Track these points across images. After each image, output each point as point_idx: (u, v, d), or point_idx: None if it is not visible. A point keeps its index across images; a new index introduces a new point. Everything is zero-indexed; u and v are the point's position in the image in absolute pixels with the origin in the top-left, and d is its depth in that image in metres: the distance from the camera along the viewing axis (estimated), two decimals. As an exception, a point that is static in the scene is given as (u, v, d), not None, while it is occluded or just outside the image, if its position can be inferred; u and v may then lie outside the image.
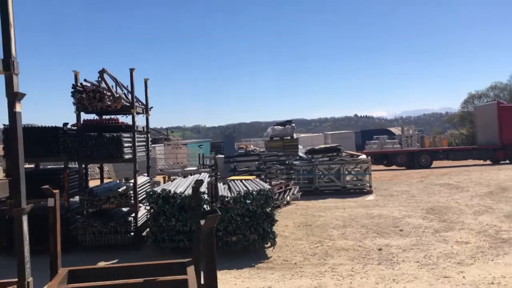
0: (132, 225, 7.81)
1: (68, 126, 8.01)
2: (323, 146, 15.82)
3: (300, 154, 15.23)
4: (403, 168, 26.26)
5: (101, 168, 9.84)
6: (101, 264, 7.15)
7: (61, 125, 7.87)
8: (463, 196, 12.54)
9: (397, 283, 5.66)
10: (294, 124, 16.27)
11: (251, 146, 27.44)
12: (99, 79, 7.48)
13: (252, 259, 7.00)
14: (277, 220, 7.61)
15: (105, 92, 7.40)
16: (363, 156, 14.64)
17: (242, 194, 7.26)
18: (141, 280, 2.91)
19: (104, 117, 8.05)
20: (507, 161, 26.08)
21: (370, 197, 13.20)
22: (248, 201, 7.20)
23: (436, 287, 5.45)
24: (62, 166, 7.95)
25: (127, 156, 7.51)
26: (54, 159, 7.82)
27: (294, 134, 16.43)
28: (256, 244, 7.25)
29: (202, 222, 2.65)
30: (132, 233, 7.81)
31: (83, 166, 8.12)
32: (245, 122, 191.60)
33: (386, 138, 43.62)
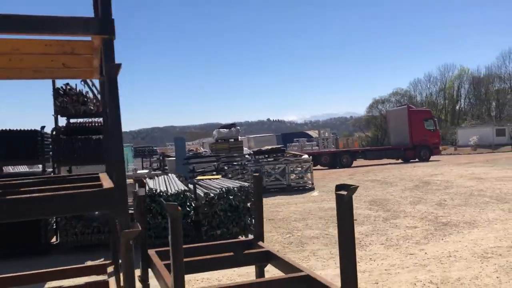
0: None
1: (46, 129, 8.04)
2: (269, 147, 16.72)
3: (246, 155, 15.99)
4: (326, 168, 28.03)
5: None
6: (89, 263, 7.34)
7: (37, 128, 7.88)
8: (395, 190, 14.10)
9: (374, 260, 6.61)
10: (238, 127, 16.99)
11: (201, 148, 27.70)
12: (82, 83, 7.65)
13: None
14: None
15: (88, 95, 7.60)
16: (306, 156, 15.78)
17: (225, 190, 7.85)
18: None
19: (82, 120, 8.19)
20: (417, 160, 28.99)
21: (315, 193, 14.32)
22: (231, 197, 7.81)
23: (407, 262, 6.48)
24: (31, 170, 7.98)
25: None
26: (33, 162, 7.81)
27: (239, 137, 17.18)
28: (238, 236, 7.87)
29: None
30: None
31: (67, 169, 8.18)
32: (158, 126, 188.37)
33: (305, 140, 45.87)
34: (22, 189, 2.56)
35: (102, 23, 2.04)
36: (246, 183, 8.50)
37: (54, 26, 2.03)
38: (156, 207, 7.62)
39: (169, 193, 7.66)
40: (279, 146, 16.98)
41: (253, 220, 8.02)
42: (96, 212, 8.44)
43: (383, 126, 71.93)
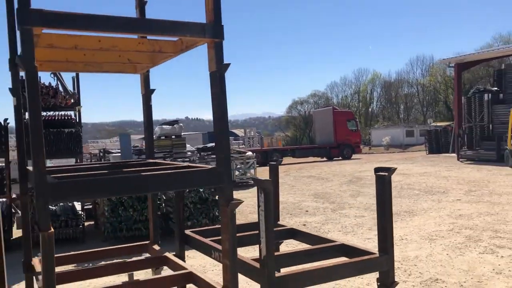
0: (83, 218, 8.05)
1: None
2: (213, 144, 17.00)
3: (189, 152, 16.18)
4: (258, 165, 28.78)
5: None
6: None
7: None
8: (332, 185, 15.14)
9: (338, 245, 7.33)
10: (181, 124, 17.11)
11: None
12: (51, 75, 7.58)
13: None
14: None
15: (58, 88, 7.56)
16: (249, 153, 16.35)
17: (195, 183, 8.18)
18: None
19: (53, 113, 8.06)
20: (340, 158, 30.80)
21: (259, 189, 14.93)
22: (201, 190, 8.16)
23: (367, 245, 7.27)
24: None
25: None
26: (-2, 155, 7.58)
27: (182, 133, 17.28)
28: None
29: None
30: (81, 226, 8.04)
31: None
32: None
33: (232, 139, 46.52)
34: (128, 169, 2.83)
35: (215, 28, 2.43)
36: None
37: (178, 29, 2.38)
38: (127, 200, 7.76)
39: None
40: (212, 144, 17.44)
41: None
42: (61, 204, 8.39)
43: (302, 126, 74.95)
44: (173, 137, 16.95)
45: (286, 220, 9.34)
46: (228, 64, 2.44)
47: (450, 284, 5.28)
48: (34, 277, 3.27)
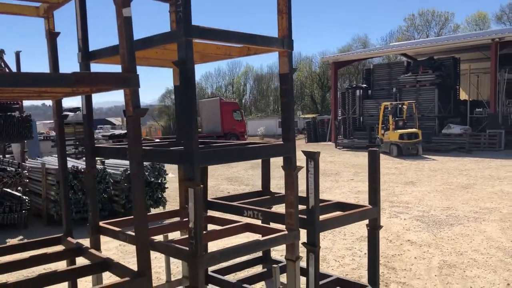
0: (27, 203, 8.07)
1: None
2: (122, 132, 16.95)
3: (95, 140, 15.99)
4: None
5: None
6: (13, 241, 7.38)
7: None
8: (237, 170, 16.38)
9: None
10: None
11: (53, 131, 24.94)
12: (-3, 59, 7.48)
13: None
14: (167, 188, 9.33)
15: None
16: (158, 140, 16.66)
17: (141, 167, 8.70)
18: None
19: None
20: (227, 146, 32.26)
21: (171, 175, 15.53)
22: (146, 173, 8.71)
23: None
24: None
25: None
26: None
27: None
28: (151, 208, 8.82)
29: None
30: (25, 211, 8.06)
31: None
32: None
33: (109, 127, 45.31)
34: (215, 144, 3.59)
35: (289, 42, 3.38)
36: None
37: (269, 42, 3.28)
38: (77, 184, 8.03)
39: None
40: (122, 132, 17.49)
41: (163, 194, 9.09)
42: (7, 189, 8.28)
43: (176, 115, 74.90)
44: (76, 124, 16.67)
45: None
46: (296, 69, 3.43)
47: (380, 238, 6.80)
48: None
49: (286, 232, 3.49)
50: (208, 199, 4.69)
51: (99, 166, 8.53)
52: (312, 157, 3.66)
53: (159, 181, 8.96)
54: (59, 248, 3.72)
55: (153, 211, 8.81)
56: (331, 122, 28.52)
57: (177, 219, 4.64)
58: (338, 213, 4.30)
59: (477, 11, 61.81)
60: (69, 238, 3.83)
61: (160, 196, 8.96)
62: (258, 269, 5.23)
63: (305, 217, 3.72)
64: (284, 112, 3.51)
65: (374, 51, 30.45)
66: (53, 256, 3.55)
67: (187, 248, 3.02)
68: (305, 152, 3.73)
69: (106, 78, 2.71)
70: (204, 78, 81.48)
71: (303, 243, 3.69)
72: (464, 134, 21.63)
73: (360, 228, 7.38)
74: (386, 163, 16.71)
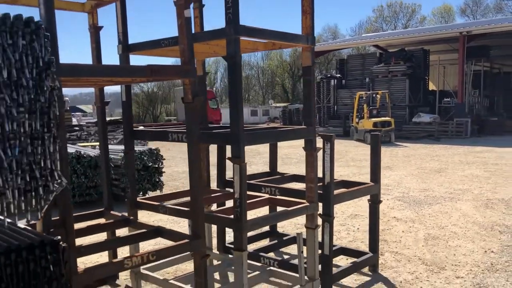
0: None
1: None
2: (118, 118, 17.07)
3: (77, 127, 16.12)
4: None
5: None
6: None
7: None
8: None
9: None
10: (67, 98, 16.80)
11: None
12: None
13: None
14: (164, 172, 9.73)
15: None
16: (141, 127, 16.94)
17: (139, 152, 9.08)
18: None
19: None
20: (202, 134, 32.56)
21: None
22: (145, 158, 9.09)
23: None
24: None
25: None
26: None
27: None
28: (149, 191, 9.23)
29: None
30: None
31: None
32: None
33: (81, 115, 44.79)
34: (254, 128, 4.08)
35: (312, 39, 3.91)
36: (148, 147, 9.81)
37: (297, 39, 3.79)
38: (80, 168, 8.35)
39: (92, 156, 8.49)
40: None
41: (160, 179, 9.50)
42: None
43: (145, 104, 74.28)
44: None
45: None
46: (315, 63, 3.98)
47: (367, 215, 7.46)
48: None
49: (307, 204, 4.04)
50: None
51: (95, 151, 8.87)
52: (329, 140, 4.22)
53: (157, 165, 9.36)
54: (109, 219, 4.14)
55: (151, 194, 9.23)
56: (306, 110, 29.23)
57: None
58: (343, 189, 4.87)
59: (443, 4, 63.91)
60: (112, 212, 4.28)
61: (157, 180, 9.36)
62: (265, 242, 5.79)
63: (321, 192, 4.28)
64: (306, 101, 4.04)
65: (348, 42, 31.30)
66: (106, 226, 4.04)
67: (231, 217, 3.54)
68: (321, 135, 4.28)
69: (172, 70, 3.17)
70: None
71: (319, 215, 4.26)
72: (433, 122, 22.75)
73: (349, 207, 8.04)
74: (362, 149, 17.52)
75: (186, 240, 3.26)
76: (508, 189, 9.44)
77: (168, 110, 67.19)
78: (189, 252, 4.43)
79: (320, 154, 4.10)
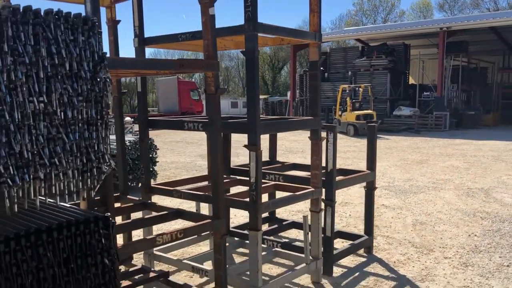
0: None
1: None
2: None
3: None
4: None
5: None
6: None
7: None
8: (201, 149, 17.04)
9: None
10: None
11: None
12: None
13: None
14: (158, 161, 9.94)
15: None
16: (128, 118, 17.03)
17: (133, 142, 9.27)
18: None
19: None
20: (185, 126, 32.60)
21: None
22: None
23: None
24: None
25: None
26: None
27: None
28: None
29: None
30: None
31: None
32: None
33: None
34: (269, 118, 4.35)
35: (320, 36, 4.20)
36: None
37: (305, 35, 4.08)
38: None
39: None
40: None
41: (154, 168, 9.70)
42: None
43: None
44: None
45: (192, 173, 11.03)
46: (322, 58, 4.28)
47: (358, 204, 7.84)
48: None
49: (312, 189, 4.36)
50: (231, 166, 5.47)
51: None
52: (332, 130, 4.53)
53: (151, 155, 9.55)
54: (125, 204, 4.38)
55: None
56: (289, 103, 29.64)
57: (205, 182, 5.39)
58: (342, 177, 5.20)
59: (422, -1, 64.83)
60: (129, 196, 4.54)
61: (151, 169, 9.57)
62: (265, 227, 6.10)
63: (323, 178, 4.60)
64: (312, 93, 4.35)
65: (330, 35, 31.70)
66: (124, 209, 4.26)
67: (246, 200, 3.83)
68: (325, 126, 4.59)
69: (198, 63, 3.43)
70: (153, 56, 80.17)
71: (322, 199, 4.58)
72: (413, 115, 23.40)
73: (339, 196, 8.40)
74: (345, 142, 17.97)
75: (208, 220, 3.54)
76: (487, 179, 9.97)
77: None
78: (195, 236, 4.75)
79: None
